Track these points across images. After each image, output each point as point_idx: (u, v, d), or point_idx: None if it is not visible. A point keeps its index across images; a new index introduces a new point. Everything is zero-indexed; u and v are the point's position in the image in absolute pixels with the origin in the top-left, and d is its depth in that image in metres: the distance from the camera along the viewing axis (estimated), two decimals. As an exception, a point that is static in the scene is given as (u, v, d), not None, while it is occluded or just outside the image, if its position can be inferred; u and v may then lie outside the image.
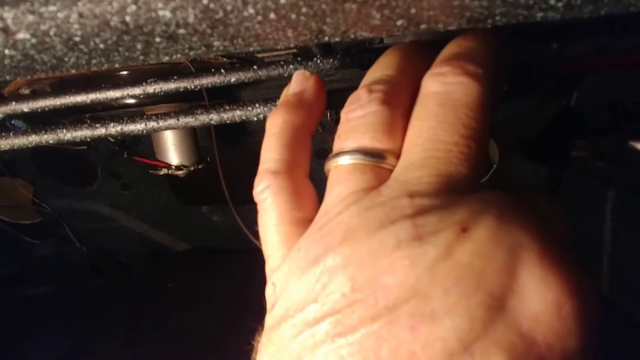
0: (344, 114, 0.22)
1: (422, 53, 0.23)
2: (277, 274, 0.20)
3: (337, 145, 0.21)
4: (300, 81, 0.25)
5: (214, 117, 0.30)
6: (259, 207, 0.22)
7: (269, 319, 0.19)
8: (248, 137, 0.84)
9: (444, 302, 0.15)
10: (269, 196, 0.22)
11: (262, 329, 0.20)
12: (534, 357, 0.15)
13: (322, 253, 0.18)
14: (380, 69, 0.22)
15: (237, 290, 0.92)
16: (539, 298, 0.16)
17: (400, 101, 0.21)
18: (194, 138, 0.71)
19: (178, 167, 0.69)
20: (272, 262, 0.21)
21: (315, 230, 0.19)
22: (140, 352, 0.86)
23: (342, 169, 0.20)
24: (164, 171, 0.69)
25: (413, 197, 0.18)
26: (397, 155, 0.20)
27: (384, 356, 0.15)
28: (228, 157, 0.74)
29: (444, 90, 0.20)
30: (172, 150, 0.69)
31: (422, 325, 0.15)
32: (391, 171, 0.20)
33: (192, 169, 0.70)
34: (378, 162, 0.20)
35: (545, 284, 0.16)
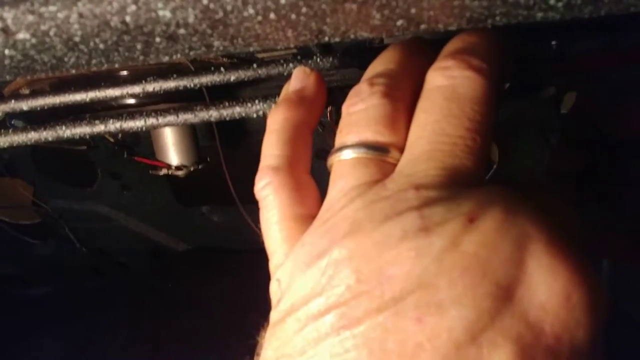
0: (345, 108, 0.22)
1: (423, 49, 0.23)
2: (281, 270, 0.20)
3: (339, 140, 0.21)
4: (300, 78, 0.25)
5: (213, 114, 0.30)
6: (261, 205, 0.22)
7: (274, 315, 0.19)
8: (248, 138, 0.84)
9: (450, 292, 0.15)
10: (270, 193, 0.22)
11: (267, 325, 0.20)
12: (542, 348, 0.15)
13: (328, 247, 0.18)
14: (382, 63, 0.22)
15: (238, 290, 0.92)
16: (547, 288, 0.16)
17: (402, 95, 0.21)
18: (194, 138, 0.71)
19: (178, 167, 0.69)
20: (276, 259, 0.21)
21: (320, 225, 0.19)
22: (140, 352, 0.86)
23: (345, 163, 0.20)
24: (164, 171, 0.69)
25: (419, 190, 0.18)
26: (400, 149, 0.20)
27: (389, 348, 0.15)
28: (228, 158, 0.74)
29: (450, 84, 0.20)
30: (172, 151, 0.69)
31: (428, 316, 0.15)
32: (394, 165, 0.20)
33: (192, 169, 0.70)
34: (381, 155, 0.20)
35: (553, 274, 0.16)
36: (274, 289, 0.20)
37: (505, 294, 0.15)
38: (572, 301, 0.16)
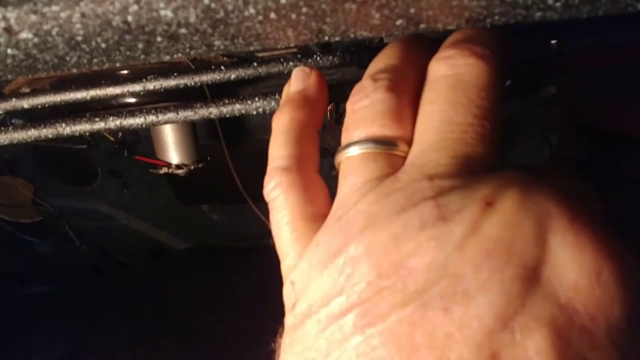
0: (349, 105, 0.21)
1: (424, 44, 0.23)
2: (295, 272, 0.19)
3: (346, 137, 0.21)
4: (301, 78, 0.24)
5: (213, 111, 0.30)
6: (270, 206, 0.22)
7: (290, 319, 0.19)
8: (248, 136, 0.84)
9: (476, 278, 0.15)
10: (280, 194, 0.21)
11: (283, 330, 0.19)
12: (577, 329, 0.15)
13: (344, 244, 0.18)
14: (383, 59, 0.22)
15: (238, 288, 0.92)
16: (575, 265, 0.15)
17: (406, 88, 0.21)
18: (194, 137, 0.72)
19: (178, 166, 0.69)
20: (288, 261, 0.21)
21: (333, 223, 0.19)
22: (140, 351, 0.86)
23: (354, 159, 0.20)
24: (164, 170, 0.69)
25: (433, 179, 0.17)
26: (408, 142, 0.20)
27: (418, 341, 0.15)
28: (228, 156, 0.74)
29: (454, 72, 0.20)
30: (173, 149, 0.69)
31: (455, 305, 0.15)
32: (403, 158, 0.20)
33: (192, 167, 0.70)
34: (390, 149, 0.20)
35: (579, 250, 0.15)
36: (287, 291, 0.20)
37: (532, 276, 0.15)
38: (604, 277, 0.15)
